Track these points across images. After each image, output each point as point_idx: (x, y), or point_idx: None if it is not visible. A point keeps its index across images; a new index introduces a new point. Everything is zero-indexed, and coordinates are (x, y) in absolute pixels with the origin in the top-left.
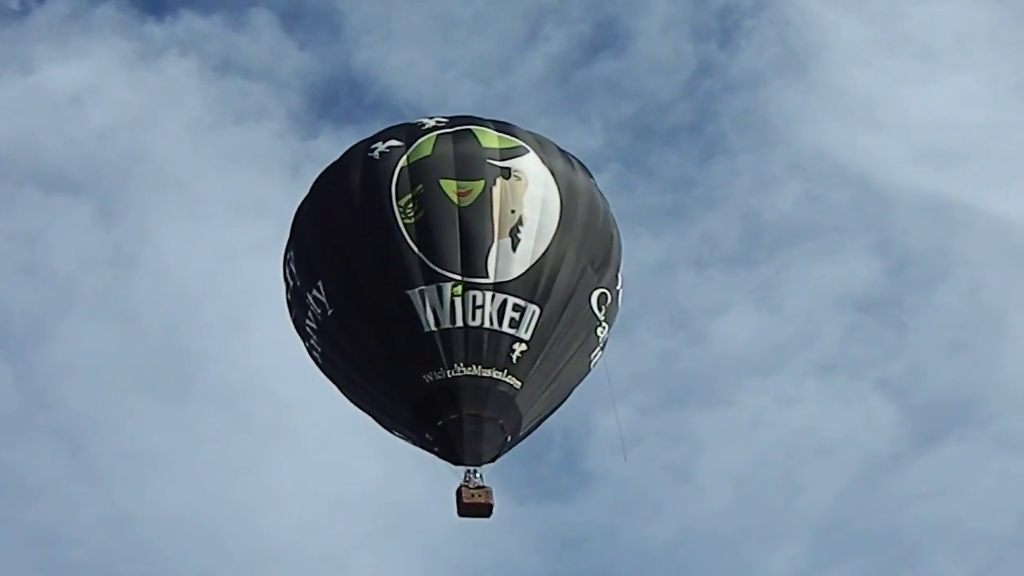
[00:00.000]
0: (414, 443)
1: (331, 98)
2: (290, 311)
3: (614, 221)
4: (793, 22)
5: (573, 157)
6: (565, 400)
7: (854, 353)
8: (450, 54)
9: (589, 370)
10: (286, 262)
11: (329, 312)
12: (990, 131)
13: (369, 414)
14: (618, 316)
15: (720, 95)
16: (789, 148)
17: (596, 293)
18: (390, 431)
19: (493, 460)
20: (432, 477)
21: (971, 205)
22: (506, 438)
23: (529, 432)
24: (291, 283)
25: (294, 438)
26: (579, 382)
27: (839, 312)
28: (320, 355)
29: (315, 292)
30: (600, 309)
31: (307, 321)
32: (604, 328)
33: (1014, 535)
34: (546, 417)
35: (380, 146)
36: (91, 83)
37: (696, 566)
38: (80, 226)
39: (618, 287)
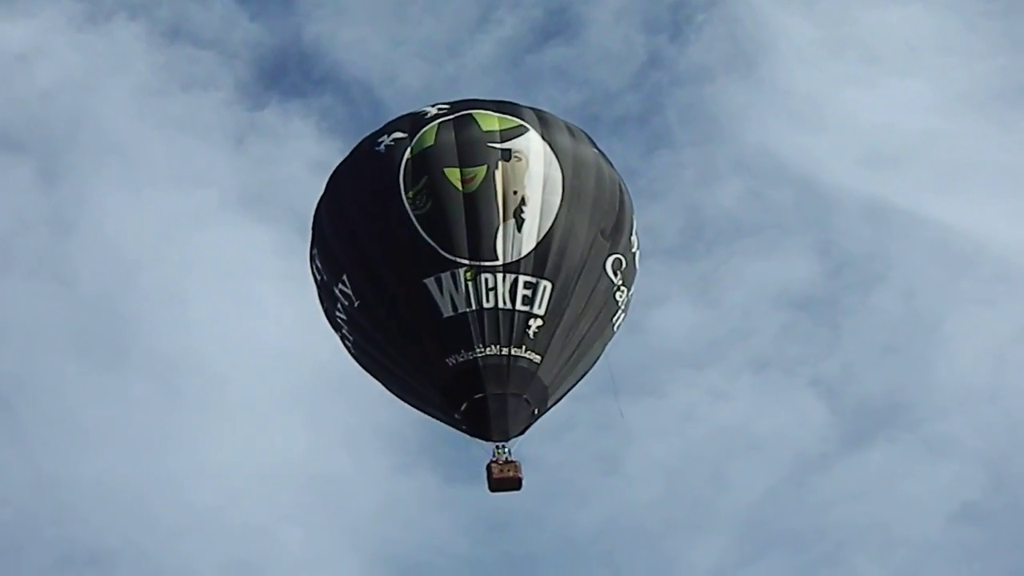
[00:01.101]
0: (447, 423)
1: (280, 70)
2: (321, 304)
3: (623, 187)
4: (744, 20)
5: (577, 128)
6: (593, 365)
7: (788, 351)
8: (401, 33)
9: (614, 333)
10: (312, 259)
11: (356, 304)
12: (933, 138)
13: (402, 399)
14: (636, 276)
15: (668, 88)
16: (734, 145)
17: (611, 259)
18: (424, 413)
19: (521, 433)
20: (361, 454)
21: (911, 210)
22: (533, 411)
23: (558, 400)
24: (319, 278)
25: (225, 410)
26: (604, 346)
27: (776, 310)
28: (352, 344)
29: (341, 286)
30: (616, 274)
31: (337, 313)
32: (623, 291)
33: (936, 539)
34: (575, 384)
35: (385, 139)
36: (38, 43)
37: (621, 556)
38: (20, 186)
39: (634, 250)
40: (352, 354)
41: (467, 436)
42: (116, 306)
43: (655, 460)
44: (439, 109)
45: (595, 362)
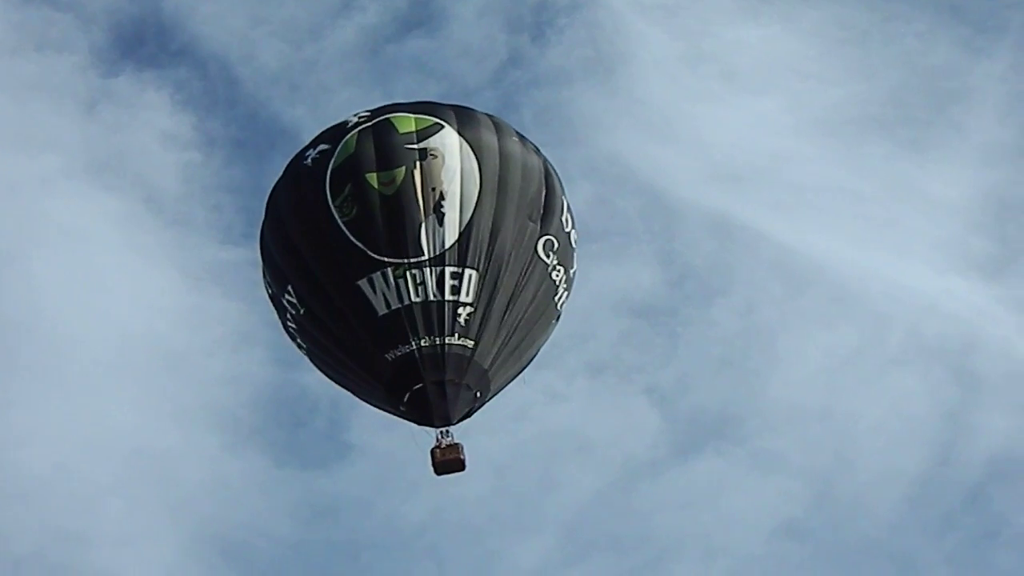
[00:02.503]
0: (397, 416)
1: (137, 39)
2: (278, 318)
3: (551, 171)
4: (605, 27)
5: (500, 120)
6: (541, 343)
7: (625, 357)
8: (262, 12)
9: (558, 311)
10: (263, 275)
11: (302, 312)
12: (781, 159)
13: (362, 400)
14: (575, 256)
15: (526, 88)
16: (586, 149)
17: (542, 241)
18: (382, 411)
19: (468, 416)
20: (192, 431)
21: (754, 228)
22: (475, 394)
23: (509, 380)
24: (270, 291)
25: (58, 377)
26: (549, 325)
27: (616, 316)
28: (307, 352)
29: (287, 296)
30: (549, 255)
31: (288, 323)
32: (559, 271)
33: (756, 552)
34: (524, 363)
35: (312, 152)
36: None
37: (445, 550)
38: None
39: (567, 230)
40: (312, 362)
41: (416, 426)
42: None
43: (486, 457)
44: (360, 117)
45: (542, 340)
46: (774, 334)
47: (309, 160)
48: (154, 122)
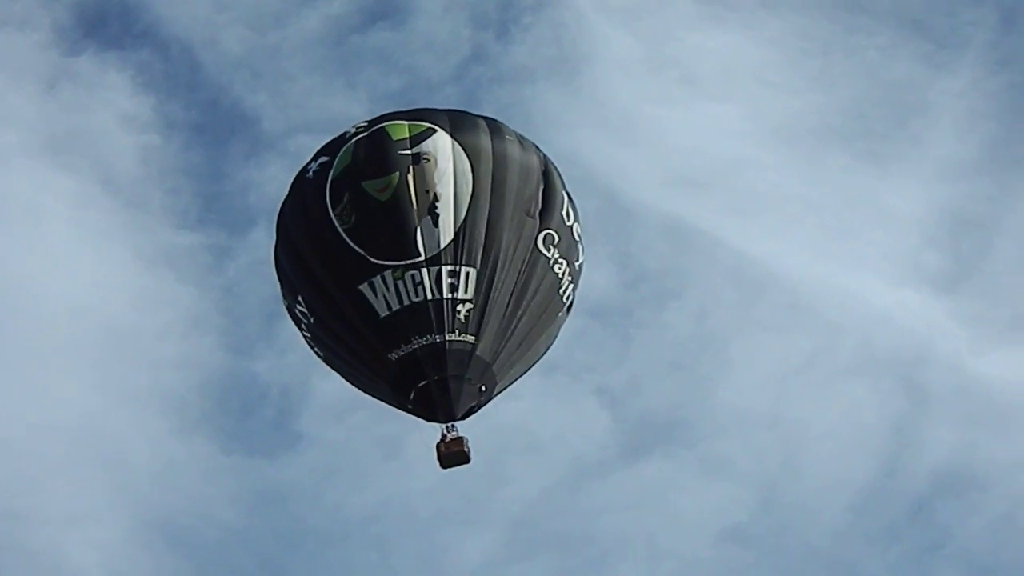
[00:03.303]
0: (408, 413)
1: (100, 19)
2: (297, 328)
3: (550, 166)
4: (570, 27)
5: (494, 121)
6: (548, 337)
7: (578, 357)
8: None
9: (564, 303)
10: (281, 289)
11: (312, 320)
12: (740, 166)
13: (377, 399)
14: (580, 248)
15: (488, 85)
16: (545, 148)
17: (542, 236)
18: (397, 410)
19: (475, 410)
20: (140, 415)
21: (710, 233)
22: (479, 388)
23: (519, 373)
24: (286, 303)
25: (6, 356)
26: (556, 317)
27: (569, 315)
28: (324, 359)
29: (299, 306)
30: (549, 249)
31: (304, 332)
32: (562, 264)
33: (701, 556)
34: (533, 356)
35: (313, 166)
36: None
37: (391, 541)
38: None
39: (569, 223)
40: (330, 368)
41: (424, 422)
42: None
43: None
44: (357, 128)
45: (551, 332)
46: (727, 339)
47: (311, 173)
48: (114, 103)
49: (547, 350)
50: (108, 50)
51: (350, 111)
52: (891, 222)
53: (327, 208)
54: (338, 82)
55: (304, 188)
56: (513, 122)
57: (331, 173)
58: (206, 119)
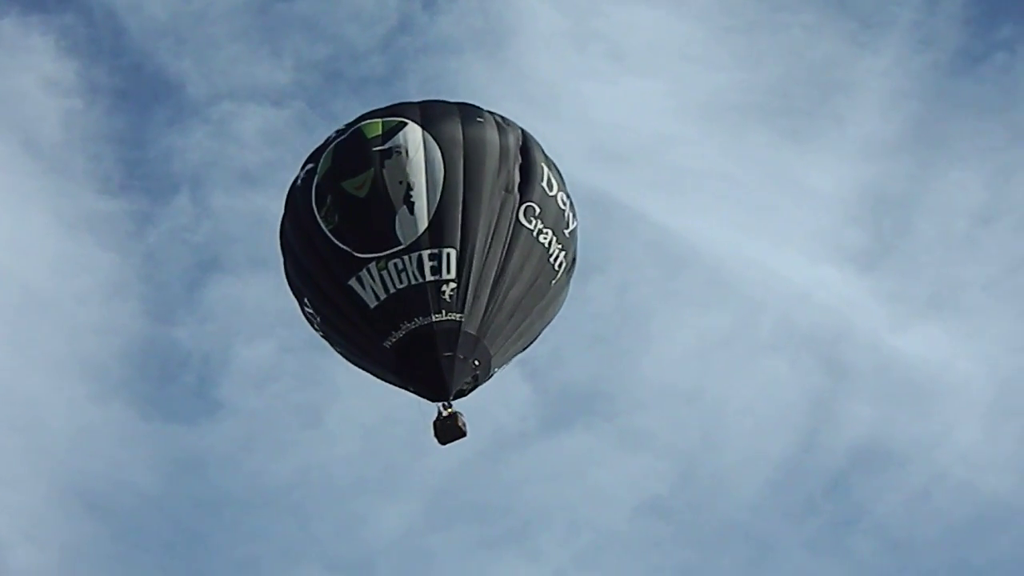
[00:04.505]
0: (414, 394)
1: None
2: (313, 329)
3: (527, 141)
4: (496, 0)
5: (466, 105)
6: (547, 303)
7: None
8: None
9: (556, 271)
10: (293, 294)
11: (319, 319)
12: (663, 141)
13: (395, 387)
14: (568, 214)
15: (414, 55)
16: None
17: (523, 208)
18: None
19: (473, 387)
20: (59, 380)
21: (633, 208)
22: (472, 363)
23: (522, 343)
24: (299, 306)
25: None
26: (550, 285)
27: None
28: (342, 355)
29: (307, 308)
30: (531, 221)
31: (317, 331)
32: (547, 233)
33: (619, 528)
34: (532, 326)
35: (300, 174)
36: None
37: (310, 509)
38: None
39: (552, 193)
40: (351, 363)
41: (428, 401)
42: None
43: (356, 419)
44: (336, 133)
45: (549, 299)
46: (648, 314)
47: (299, 182)
48: (37, 67)
49: (554, 316)
50: (31, 14)
51: (275, 79)
52: (813, 199)
53: (313, 212)
54: (263, 50)
55: (294, 197)
56: (438, 93)
57: (315, 179)
58: (130, 84)
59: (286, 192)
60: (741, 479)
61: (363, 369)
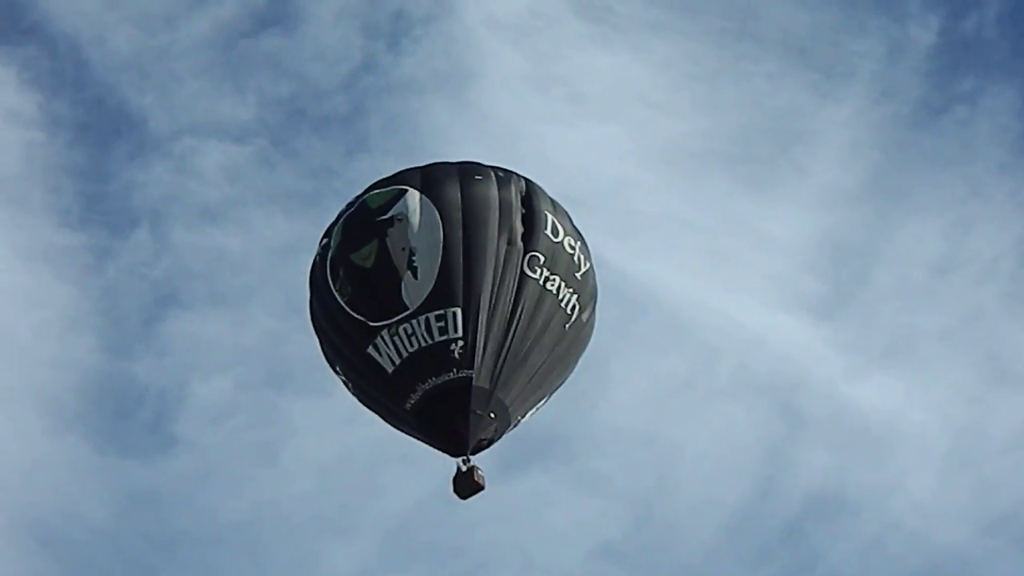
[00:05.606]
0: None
1: None
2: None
3: (531, 189)
4: (459, 41)
5: (464, 164)
6: (567, 346)
7: None
8: None
9: (570, 316)
10: (330, 366)
11: (350, 385)
12: (622, 186)
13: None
14: (578, 257)
15: (377, 95)
16: (429, 159)
17: (527, 259)
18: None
19: (491, 441)
20: (13, 413)
21: (592, 252)
22: (488, 415)
23: (539, 394)
24: (333, 371)
25: None
26: (565, 330)
27: None
28: (377, 414)
29: (339, 375)
30: (536, 270)
31: (353, 395)
32: (554, 279)
33: (572, 571)
34: (553, 373)
35: (318, 250)
36: None
37: (264, 547)
38: None
39: (558, 239)
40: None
41: (451, 457)
42: None
43: (312, 458)
44: (347, 206)
45: (565, 345)
46: (606, 357)
47: (317, 258)
48: None
49: (578, 356)
50: None
51: (237, 115)
52: (771, 247)
53: (330, 286)
54: (226, 86)
55: (315, 274)
56: (400, 134)
57: (330, 254)
58: (91, 118)
59: (308, 272)
60: (696, 524)
61: (399, 431)
